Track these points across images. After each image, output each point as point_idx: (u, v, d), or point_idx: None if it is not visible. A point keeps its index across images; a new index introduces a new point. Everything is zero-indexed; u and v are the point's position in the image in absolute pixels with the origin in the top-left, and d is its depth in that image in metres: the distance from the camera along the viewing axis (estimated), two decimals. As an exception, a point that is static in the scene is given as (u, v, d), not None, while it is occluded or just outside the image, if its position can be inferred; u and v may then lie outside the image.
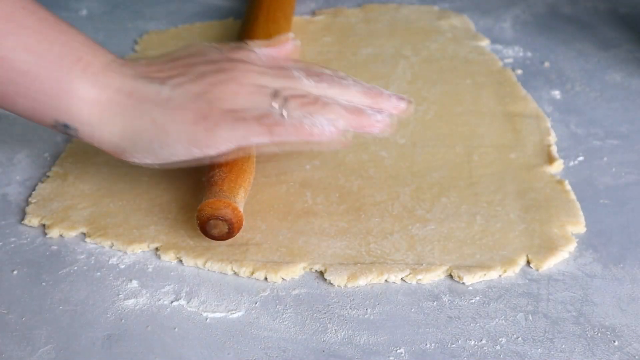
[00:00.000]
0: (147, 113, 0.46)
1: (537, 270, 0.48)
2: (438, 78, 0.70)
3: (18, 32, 0.46)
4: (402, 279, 0.47)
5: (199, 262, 0.48)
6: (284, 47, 0.54)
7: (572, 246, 0.50)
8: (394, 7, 0.86)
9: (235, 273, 0.48)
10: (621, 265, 0.48)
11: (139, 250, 0.50)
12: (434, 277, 0.47)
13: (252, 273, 0.48)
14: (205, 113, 0.46)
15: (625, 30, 0.80)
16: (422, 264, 0.48)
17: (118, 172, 0.57)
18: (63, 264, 0.48)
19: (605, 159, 0.59)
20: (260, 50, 0.52)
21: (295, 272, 0.48)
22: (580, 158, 0.59)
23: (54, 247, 0.50)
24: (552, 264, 0.48)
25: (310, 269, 0.48)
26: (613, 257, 0.49)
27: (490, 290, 0.46)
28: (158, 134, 0.46)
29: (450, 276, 0.47)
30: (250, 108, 0.46)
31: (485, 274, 0.47)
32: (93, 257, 0.49)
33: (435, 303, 0.45)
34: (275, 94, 0.47)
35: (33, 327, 0.44)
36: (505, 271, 0.48)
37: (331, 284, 0.47)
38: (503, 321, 0.44)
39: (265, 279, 0.47)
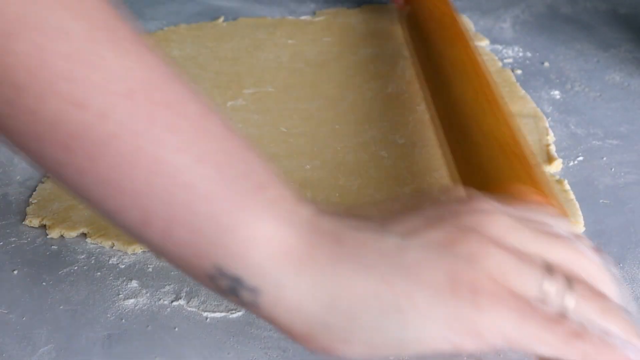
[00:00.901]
0: (372, 268, 0.29)
1: None
2: None
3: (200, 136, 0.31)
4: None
5: None
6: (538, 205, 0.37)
7: None
8: (394, 8, 0.86)
9: None
10: (621, 265, 0.48)
11: (139, 250, 0.50)
12: None
13: None
14: (465, 275, 0.29)
15: (625, 30, 0.80)
16: None
17: None
18: (63, 264, 0.48)
19: (604, 159, 0.59)
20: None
21: None
22: (580, 158, 0.59)
23: (54, 247, 0.50)
24: None
25: None
26: (613, 257, 0.49)
27: (490, 290, 0.46)
28: (395, 303, 0.29)
29: None
30: (520, 285, 0.29)
31: None
32: (93, 257, 0.49)
33: (435, 303, 0.45)
34: (548, 269, 0.30)
35: (33, 327, 0.44)
36: None
37: None
38: (503, 321, 0.44)
39: None
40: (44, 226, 0.52)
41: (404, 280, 0.29)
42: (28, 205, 0.53)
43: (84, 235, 0.51)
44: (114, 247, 0.50)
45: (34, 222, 0.52)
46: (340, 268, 0.29)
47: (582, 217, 0.52)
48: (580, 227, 0.51)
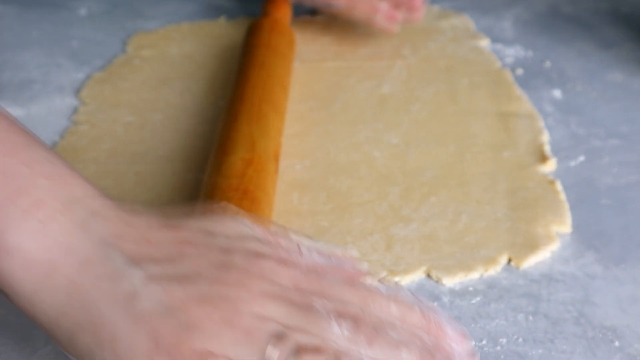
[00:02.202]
0: (95, 303, 0.31)
1: (517, 268, 0.48)
2: (434, 78, 0.70)
3: None
4: (379, 281, 0.47)
5: None
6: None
7: (555, 245, 0.49)
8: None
9: None
10: (622, 265, 0.48)
11: None
12: (413, 278, 0.47)
13: None
14: (170, 346, 0.30)
15: (626, 29, 0.80)
16: (400, 265, 0.47)
17: (105, 169, 0.57)
18: (62, 265, 0.48)
19: (606, 159, 0.59)
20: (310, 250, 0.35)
21: None
22: (581, 158, 0.59)
23: (53, 248, 0.50)
24: (532, 262, 0.48)
25: None
26: (614, 258, 0.49)
27: (490, 290, 0.46)
28: (96, 341, 0.31)
29: (429, 277, 0.47)
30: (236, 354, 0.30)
31: (466, 275, 0.47)
32: (92, 258, 0.49)
33: (435, 303, 0.45)
34: (279, 338, 0.30)
35: (33, 328, 0.43)
36: (486, 270, 0.47)
37: None
38: (503, 322, 0.44)
39: None
40: None
41: (114, 325, 0.30)
42: None
43: None
44: None
45: None
46: (74, 296, 0.31)
47: (570, 219, 0.52)
48: (567, 229, 0.51)
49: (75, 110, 0.66)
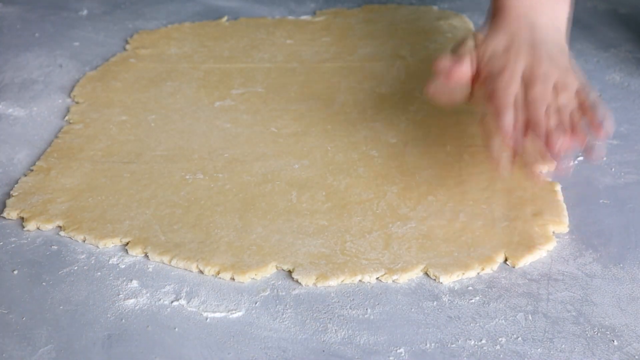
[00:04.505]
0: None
1: (514, 267, 0.48)
2: (432, 78, 0.70)
3: None
4: (377, 278, 0.47)
5: (165, 259, 0.48)
6: None
7: (552, 245, 0.49)
8: (394, 8, 0.86)
9: (200, 271, 0.48)
10: (621, 265, 0.48)
11: (110, 245, 0.50)
12: (411, 276, 0.47)
13: (218, 273, 0.47)
14: None
15: (624, 30, 0.80)
16: (397, 263, 0.47)
17: (101, 168, 0.57)
18: (63, 264, 0.48)
19: (605, 158, 0.59)
20: None
21: (266, 271, 0.47)
22: (580, 158, 0.59)
23: (54, 247, 0.50)
24: (528, 261, 0.48)
25: (281, 268, 0.48)
26: (613, 257, 0.49)
27: (490, 290, 0.46)
28: None
29: (427, 275, 0.47)
30: None
31: (463, 273, 0.47)
32: (93, 257, 0.49)
33: (435, 303, 0.45)
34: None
35: (33, 327, 0.44)
36: (483, 269, 0.47)
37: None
38: (503, 321, 0.44)
39: (232, 278, 0.47)
40: (21, 219, 0.52)
41: None
42: (8, 198, 0.54)
43: (59, 228, 0.51)
44: (86, 241, 0.50)
45: (12, 214, 0.52)
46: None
47: (566, 217, 0.52)
48: (563, 227, 0.51)
49: (67, 110, 0.66)
